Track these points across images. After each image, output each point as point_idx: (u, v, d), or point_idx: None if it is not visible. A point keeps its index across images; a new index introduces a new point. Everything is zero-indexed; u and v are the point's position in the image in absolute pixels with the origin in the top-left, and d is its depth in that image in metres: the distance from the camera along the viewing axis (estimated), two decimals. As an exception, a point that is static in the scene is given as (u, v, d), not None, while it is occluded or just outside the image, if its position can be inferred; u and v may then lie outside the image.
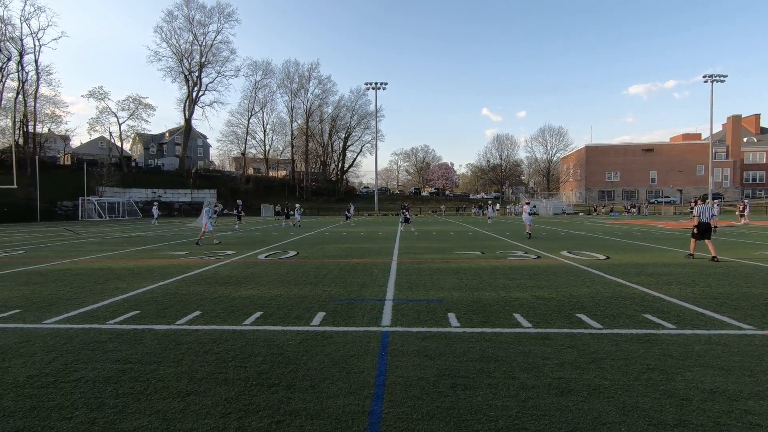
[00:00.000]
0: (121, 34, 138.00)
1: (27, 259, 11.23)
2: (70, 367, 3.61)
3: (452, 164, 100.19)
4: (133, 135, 75.05)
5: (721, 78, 57.11)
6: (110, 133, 65.37)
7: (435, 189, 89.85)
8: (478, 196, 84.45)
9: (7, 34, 51.47)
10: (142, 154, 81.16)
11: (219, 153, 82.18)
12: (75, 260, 10.81)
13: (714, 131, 62.57)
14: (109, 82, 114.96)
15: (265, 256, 11.28)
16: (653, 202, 65.36)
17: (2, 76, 52.54)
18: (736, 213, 30.21)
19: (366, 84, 60.84)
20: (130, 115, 63.95)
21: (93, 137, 70.60)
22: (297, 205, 29.81)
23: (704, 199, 10.79)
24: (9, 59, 52.19)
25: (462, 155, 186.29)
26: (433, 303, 5.86)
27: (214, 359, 3.79)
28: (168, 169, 69.66)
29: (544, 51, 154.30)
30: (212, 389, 3.18)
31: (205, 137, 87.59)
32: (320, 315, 5.25)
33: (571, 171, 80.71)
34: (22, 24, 52.90)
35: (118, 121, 63.30)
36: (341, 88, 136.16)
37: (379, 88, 60.65)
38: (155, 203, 39.70)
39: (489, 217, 33.01)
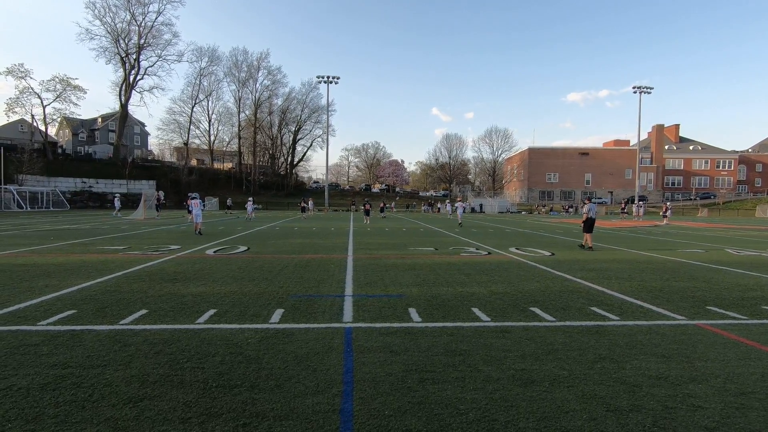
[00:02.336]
0: (46, 6, 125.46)
1: (-67, 253, 9.93)
2: (-2, 375, 3.22)
3: (403, 161, 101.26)
4: (59, 119, 68.70)
5: (648, 90, 62.21)
6: (32, 116, 59.40)
7: (385, 186, 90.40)
8: (428, 193, 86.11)
9: None
10: (70, 140, 74.48)
11: (159, 142, 77.41)
12: (-7, 255, 9.71)
13: (641, 138, 68.06)
14: (31, 59, 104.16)
15: (214, 252, 10.76)
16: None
17: None
18: (660, 214, 33.07)
19: (318, 77, 59.82)
20: (57, 97, 58.54)
21: (12, 119, 63.76)
22: (250, 199, 29.21)
23: (590, 198, 13.62)
24: None
25: (412, 153, 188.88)
26: (393, 298, 5.86)
27: (167, 360, 3.54)
28: (100, 157, 64.54)
29: (492, 57, 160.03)
30: (168, 393, 2.96)
31: (143, 125, 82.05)
32: (279, 312, 5.08)
33: (515, 171, 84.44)
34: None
35: (42, 102, 57.72)
36: (292, 80, 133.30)
37: (331, 82, 59.87)
38: (117, 195, 36.84)
39: (450, 215, 30.86)
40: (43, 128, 60.38)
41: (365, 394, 2.99)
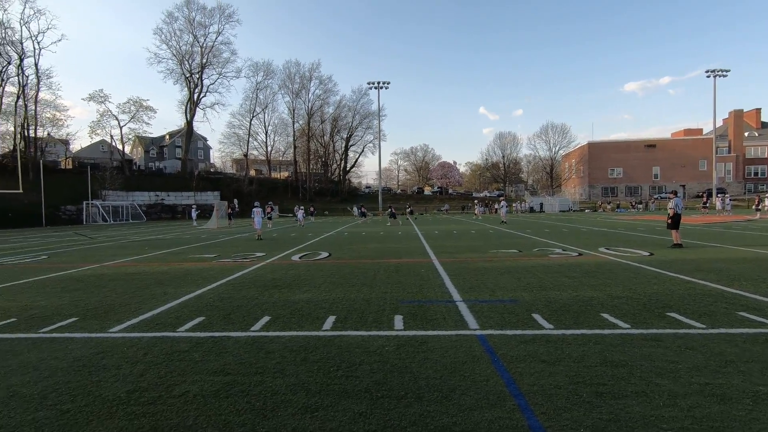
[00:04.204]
0: (120, 36, 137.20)
1: (54, 264, 10.92)
2: (167, 381, 3.35)
3: (455, 162, 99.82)
4: (133, 138, 74.57)
5: (724, 73, 57.08)
6: (111, 137, 64.87)
7: (438, 188, 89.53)
8: (481, 194, 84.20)
9: (7, 37, 50.98)
10: (142, 157, 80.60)
11: (221, 155, 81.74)
12: (104, 264, 10.51)
13: (716, 126, 62.54)
14: (109, 85, 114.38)
15: (299, 258, 11.01)
16: (658, 198, 65.19)
17: (2, 80, 52.03)
18: (753, 207, 30.01)
19: (369, 83, 60.60)
20: (131, 118, 63.46)
21: (94, 141, 70.03)
22: (300, 207, 30.49)
23: (676, 193, 12.25)
24: (9, 63, 51.67)
25: (461, 154, 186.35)
26: (507, 304, 5.61)
27: (318, 369, 3.53)
28: (170, 172, 69.21)
29: (540, 51, 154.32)
30: (338, 403, 2.92)
31: (205, 139, 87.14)
32: (398, 318, 5.00)
33: (574, 168, 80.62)
34: (21, 27, 52.18)
35: (119, 124, 62.83)
36: (342, 87, 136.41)
37: (381, 87, 60.40)
38: (194, 206, 39.36)
39: (503, 216, 30.00)
40: (120, 147, 65.69)
41: (545, 408, 2.78)
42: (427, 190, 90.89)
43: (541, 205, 58.14)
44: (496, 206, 56.84)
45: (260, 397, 3.03)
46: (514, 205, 60.61)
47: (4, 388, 3.27)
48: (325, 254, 11.71)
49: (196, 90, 66.20)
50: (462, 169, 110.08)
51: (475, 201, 50.90)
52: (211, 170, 78.78)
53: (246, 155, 73.67)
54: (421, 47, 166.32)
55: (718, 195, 47.97)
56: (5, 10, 50.58)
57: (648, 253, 10.36)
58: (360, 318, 5.05)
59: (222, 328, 4.77)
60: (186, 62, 65.20)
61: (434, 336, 4.33)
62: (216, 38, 65.97)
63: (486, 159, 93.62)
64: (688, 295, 5.84)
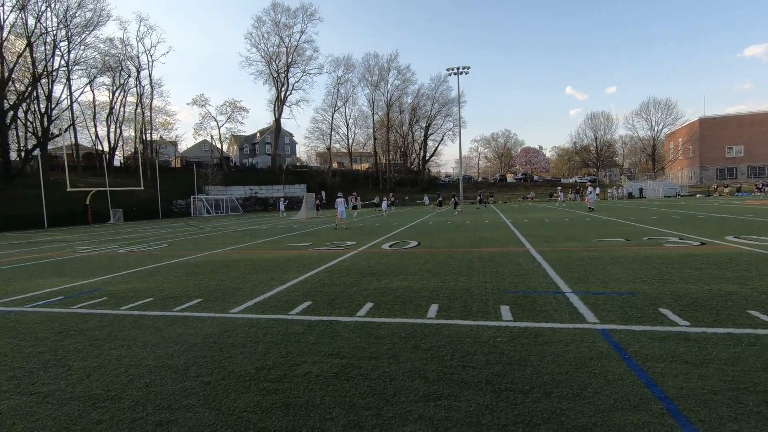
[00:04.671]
0: (217, 44, 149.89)
1: (174, 251, 12.27)
2: (289, 360, 3.52)
3: (541, 147, 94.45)
4: (229, 137, 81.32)
5: None
6: (211, 137, 71.44)
7: (522, 175, 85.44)
8: (571, 180, 78.69)
9: (127, 53, 58.24)
10: (237, 155, 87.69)
11: (306, 149, 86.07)
12: (214, 252, 11.56)
13: None
14: (208, 89, 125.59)
15: (389, 246, 11.14)
16: (791, 179, 55.65)
17: (124, 92, 59.70)
18: None
19: (448, 69, 59.31)
20: (228, 119, 69.19)
21: (197, 141, 77.65)
22: (383, 198, 31.14)
23: None
24: (129, 76, 59.08)
25: (546, 138, 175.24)
26: (626, 296, 5.10)
27: (431, 357, 3.48)
28: (261, 167, 74.40)
29: (634, 18, 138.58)
30: (460, 393, 2.83)
31: (291, 135, 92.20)
32: (504, 309, 4.78)
33: (681, 148, 71.79)
34: (137, 43, 59.50)
35: (217, 124, 68.87)
36: (421, 76, 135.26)
37: (461, 73, 58.80)
38: (282, 198, 42.39)
39: (589, 205, 27.37)
40: (219, 146, 72.02)
41: (702, 416, 2.43)
42: (510, 178, 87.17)
43: (641, 190, 52.80)
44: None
45: (379, 381, 3.05)
46: (609, 191, 55.80)
47: (154, 358, 3.68)
48: (414, 243, 11.71)
49: (283, 88, 70.14)
50: (548, 154, 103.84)
51: (558, 188, 48.06)
52: (297, 164, 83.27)
53: (329, 148, 76.62)
54: (501, 30, 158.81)
55: None
56: (125, 30, 57.78)
57: (793, 243, 8.83)
58: (464, 307, 4.92)
59: (329, 312, 4.94)
60: (273, 63, 69.31)
61: (549, 329, 4.06)
62: (300, 37, 69.19)
63: (575, 142, 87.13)
64: None
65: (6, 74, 43.56)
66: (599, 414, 2.49)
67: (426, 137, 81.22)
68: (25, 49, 45.42)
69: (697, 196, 48.28)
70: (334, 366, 3.37)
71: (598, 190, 50.44)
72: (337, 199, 19.76)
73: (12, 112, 45.04)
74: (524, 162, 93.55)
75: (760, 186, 48.42)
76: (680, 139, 72.21)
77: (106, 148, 59.55)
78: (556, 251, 9.03)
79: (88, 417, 2.71)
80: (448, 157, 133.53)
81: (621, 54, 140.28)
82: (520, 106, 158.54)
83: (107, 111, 58.78)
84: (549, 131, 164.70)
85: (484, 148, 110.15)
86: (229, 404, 2.80)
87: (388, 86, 76.50)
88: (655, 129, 75.46)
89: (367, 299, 5.47)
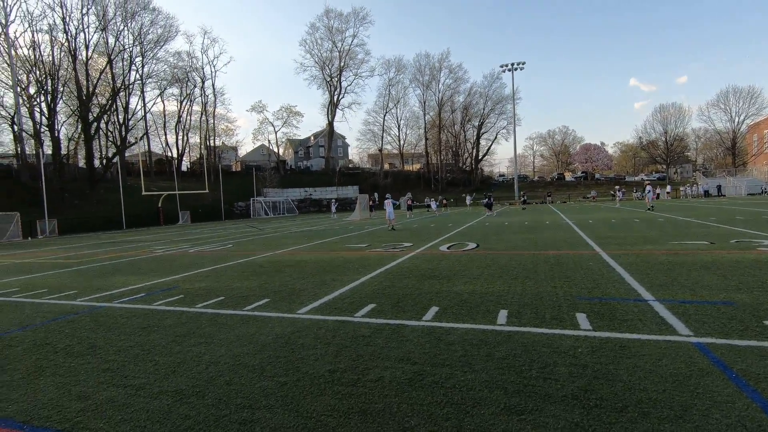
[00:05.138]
0: (274, 51, 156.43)
1: (239, 252, 12.86)
2: (360, 364, 3.50)
3: (603, 144, 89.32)
4: (285, 141, 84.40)
5: None
6: (269, 141, 74.55)
7: (582, 173, 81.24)
8: (637, 177, 73.66)
9: (192, 65, 62.22)
10: (292, 158, 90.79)
11: (358, 151, 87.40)
12: (276, 252, 11.97)
13: None
14: (266, 95, 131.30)
15: (447, 248, 10.95)
16: None
17: (190, 101, 63.81)
18: None
19: (501, 66, 57.79)
20: (284, 123, 71.92)
21: (255, 146, 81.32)
22: (433, 198, 30.96)
23: None
24: (195, 86, 63.06)
25: (608, 133, 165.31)
26: (720, 306, 4.61)
27: (507, 366, 3.31)
28: (316, 169, 76.49)
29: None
30: (542, 407, 2.65)
31: (344, 137, 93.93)
32: (581, 317, 4.48)
33: (767, 140, 64.85)
34: (202, 55, 63.45)
35: (274, 129, 71.82)
36: (473, 74, 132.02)
37: (516, 69, 57.01)
38: (333, 200, 43.53)
39: (648, 205, 25.22)
40: (276, 150, 74.97)
41: (842, 450, 2.10)
42: (569, 176, 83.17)
43: (720, 187, 48.33)
44: (658, 191, 49.21)
45: (456, 391, 2.95)
46: (681, 189, 51.62)
47: (232, 356, 3.82)
48: (473, 245, 11.43)
49: (336, 92, 71.69)
50: (610, 150, 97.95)
51: (616, 187, 45.24)
52: (350, 166, 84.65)
53: (380, 150, 77.24)
54: (556, 21, 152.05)
55: None
56: (191, 43, 61.85)
57: None
58: (535, 314, 4.68)
59: (394, 315, 4.89)
60: (326, 67, 71.07)
61: (635, 340, 3.74)
62: (352, 41, 70.44)
63: (640, 137, 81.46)
64: None
65: (91, 89, 48.06)
66: (711, 441, 2.23)
67: (479, 136, 79.57)
68: (106, 66, 49.90)
69: (788, 193, 43.41)
70: (407, 372, 3.30)
71: (658, 189, 46.79)
72: (385, 201, 20.01)
73: (95, 124, 49.62)
74: (584, 159, 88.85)
75: None
76: (766, 131, 65.27)
77: (175, 154, 63.98)
78: (631, 254, 8.41)
79: (177, 411, 2.84)
80: (501, 156, 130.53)
81: (692, 40, 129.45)
82: (579, 100, 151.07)
83: (176, 119, 63.14)
84: (611, 126, 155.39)
85: (539, 146, 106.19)
86: (307, 407, 2.82)
87: (440, 86, 75.88)
88: (736, 120, 68.86)
89: (432, 303, 5.37)
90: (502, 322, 4.46)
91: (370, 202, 33.10)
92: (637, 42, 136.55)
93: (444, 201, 46.02)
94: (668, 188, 50.80)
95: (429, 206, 37.67)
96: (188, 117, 64.44)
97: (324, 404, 2.84)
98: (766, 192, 45.58)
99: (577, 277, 6.50)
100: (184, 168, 66.15)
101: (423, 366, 3.41)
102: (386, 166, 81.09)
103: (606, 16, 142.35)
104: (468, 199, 42.59)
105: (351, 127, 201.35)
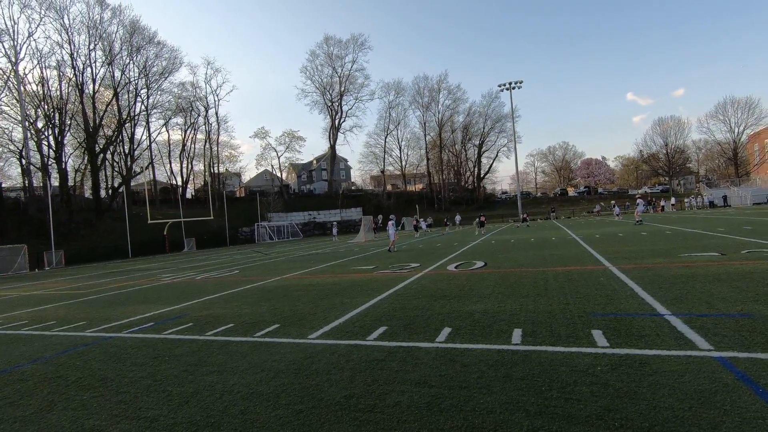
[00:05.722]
0: (276, 78, 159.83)
1: (246, 277, 12.83)
2: (376, 389, 3.44)
3: (604, 158, 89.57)
4: (288, 165, 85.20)
5: None
6: (272, 166, 75.21)
7: (585, 188, 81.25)
8: (640, 190, 73.51)
9: (196, 95, 63.55)
10: (296, 182, 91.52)
11: (360, 173, 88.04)
12: (284, 277, 11.93)
13: None
14: (268, 121, 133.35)
15: (455, 267, 10.89)
16: None
17: (194, 130, 64.89)
18: None
19: (500, 85, 58.70)
20: (286, 148, 72.70)
21: (259, 171, 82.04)
22: (419, 218, 31.46)
23: None
24: (198, 115, 64.25)
25: (608, 148, 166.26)
26: (739, 319, 4.53)
27: (526, 387, 3.25)
28: (319, 193, 76.96)
29: (697, 13, 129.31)
30: (567, 429, 2.59)
31: (346, 160, 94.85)
32: (597, 333, 4.41)
33: (768, 149, 64.83)
34: (205, 85, 64.80)
35: (277, 154, 72.54)
36: (472, 94, 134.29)
37: (514, 88, 57.86)
38: (334, 223, 43.58)
39: (637, 218, 24.87)
40: (279, 174, 75.60)
41: None
42: (571, 191, 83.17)
43: (725, 198, 48.11)
44: (662, 203, 48.99)
45: (476, 414, 2.88)
46: (686, 200, 51.46)
47: (245, 385, 3.76)
48: (480, 263, 11.37)
49: (337, 116, 72.78)
50: (612, 164, 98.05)
51: (612, 202, 45.22)
52: (353, 188, 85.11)
53: (383, 171, 77.78)
54: (551, 40, 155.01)
55: None
56: (195, 74, 63.35)
57: None
58: (550, 332, 4.61)
59: (407, 338, 4.83)
60: (327, 92, 72.38)
61: (654, 356, 3.67)
62: (351, 66, 71.94)
63: (641, 150, 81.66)
64: None
65: (97, 122, 49.04)
66: (745, 460, 2.16)
67: (480, 155, 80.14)
68: (112, 99, 51.05)
69: (794, 201, 43.14)
70: (424, 396, 3.24)
71: (663, 201, 46.67)
72: (389, 222, 20.05)
73: (102, 155, 50.41)
74: (585, 174, 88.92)
75: None
76: (766, 141, 65.38)
77: (180, 182, 64.64)
78: (641, 268, 8.33)
79: (193, 444, 2.79)
80: (503, 174, 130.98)
81: (687, 52, 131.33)
82: (578, 116, 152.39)
83: (180, 148, 64.07)
84: (611, 141, 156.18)
85: (540, 162, 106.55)
86: (325, 435, 2.76)
87: (439, 106, 76.96)
88: (736, 131, 69.03)
89: (444, 324, 5.30)
90: (517, 341, 4.39)
91: (374, 224, 33.09)
92: (631, 57, 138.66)
93: (427, 220, 46.07)
94: (673, 200, 50.63)
95: (418, 227, 36.70)
96: (192, 145, 65.46)
97: (342, 431, 2.78)
98: (771, 201, 45.31)
99: (589, 293, 6.43)
100: (188, 195, 66.72)
101: (440, 389, 3.35)
102: (389, 187, 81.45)
103: (600, 34, 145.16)
104: (457, 218, 42.35)
105: (353, 149, 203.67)
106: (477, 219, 32.21)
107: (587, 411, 2.80)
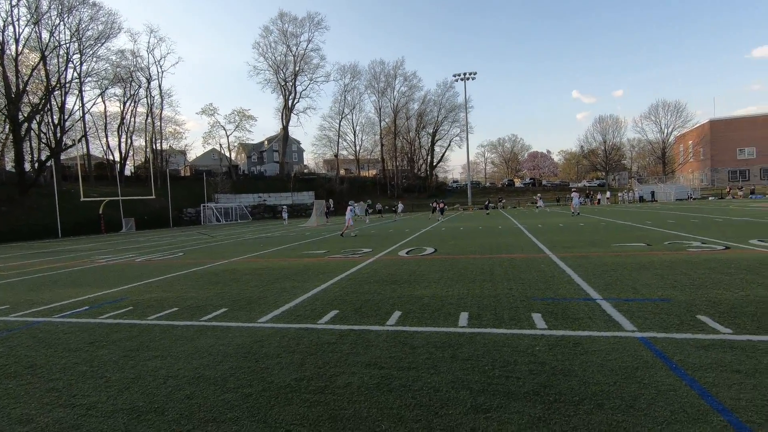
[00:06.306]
0: (225, 54, 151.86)
1: (190, 260, 12.32)
2: (327, 371, 3.48)
3: (549, 152, 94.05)
4: (237, 145, 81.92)
5: None
6: (220, 145, 71.97)
7: (530, 179, 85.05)
8: (580, 184, 78.14)
9: (138, 65, 59.12)
10: (245, 162, 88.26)
11: (314, 156, 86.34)
12: (232, 260, 11.59)
13: None
14: (217, 98, 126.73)
15: (406, 253, 11.09)
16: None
17: (134, 102, 60.52)
18: None
19: (454, 75, 59.63)
20: (236, 127, 69.73)
21: (206, 150, 78.31)
22: (355, 203, 32.54)
23: None
24: (139, 87, 59.89)
25: (554, 142, 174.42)
26: (660, 303, 5.00)
27: (471, 367, 3.42)
28: (270, 175, 74.81)
29: (640, 21, 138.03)
30: (506, 404, 2.77)
31: (299, 142, 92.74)
32: (536, 316, 4.71)
33: (691, 150, 71.09)
34: (148, 55, 60.33)
35: (226, 133, 69.40)
36: (427, 83, 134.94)
37: (468, 79, 58.97)
38: (284, 206, 42.44)
39: (572, 210, 27.35)
40: (227, 154, 72.56)
41: (767, 429, 2.35)
42: (518, 183, 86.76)
43: (653, 193, 52.25)
44: (598, 196, 52.45)
45: (423, 392, 3.01)
46: (619, 194, 55.36)
47: (191, 369, 3.66)
48: (431, 249, 11.65)
49: (290, 96, 70.66)
50: (556, 158, 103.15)
51: (537, 195, 48.41)
52: (305, 171, 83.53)
53: (336, 156, 76.88)
54: (506, 35, 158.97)
55: None
56: (135, 42, 58.72)
57: (821, 246, 8.65)
58: (494, 315, 4.86)
59: (358, 321, 4.90)
60: (281, 71, 69.92)
61: (587, 337, 3.98)
62: (307, 46, 69.76)
63: (582, 146, 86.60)
64: None
65: (21, 87, 44.35)
66: (658, 427, 2.42)
67: (433, 143, 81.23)
68: (39, 63, 46.23)
69: (710, 198, 47.70)
70: (374, 377, 3.32)
71: (599, 195, 50.02)
72: (348, 207, 20.20)
73: (26, 124, 45.80)
74: (532, 167, 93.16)
75: (775, 188, 47.65)
76: (690, 142, 71.56)
77: (117, 158, 60.29)
78: (578, 257, 8.92)
79: (135, 430, 2.69)
80: (455, 163, 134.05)
81: (627, 57, 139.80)
82: (527, 110, 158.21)
83: (118, 121, 59.57)
84: (556, 135, 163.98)
85: (491, 153, 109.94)
86: (275, 417, 2.76)
87: (395, 93, 76.80)
88: (665, 132, 74.83)
89: (395, 308, 5.42)
90: (463, 324, 4.59)
91: (326, 209, 32.81)
92: (577, 57, 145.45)
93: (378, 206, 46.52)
94: (608, 194, 54.31)
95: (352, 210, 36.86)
96: (132, 119, 61.03)
97: (292, 413, 2.80)
98: (692, 197, 49.88)
99: (531, 279, 6.81)
100: (127, 172, 62.43)
101: (390, 370, 3.44)
102: (342, 172, 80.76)
103: (549, 34, 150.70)
104: (400, 207, 42.23)
105: (306, 132, 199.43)
106: (436, 206, 32.29)
107: (526, 388, 3.01)
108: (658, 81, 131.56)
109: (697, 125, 69.69)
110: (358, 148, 79.61)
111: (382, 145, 78.43)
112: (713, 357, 3.36)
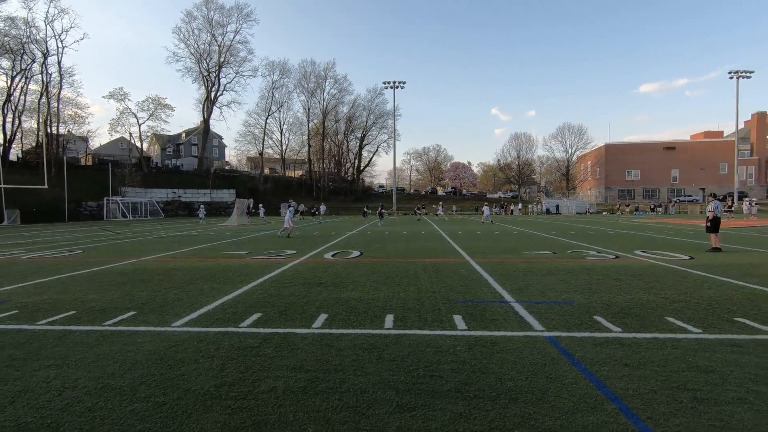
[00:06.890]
0: (140, 36, 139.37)
1: (91, 258, 11.09)
2: (250, 376, 3.34)
3: (469, 163, 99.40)
4: (150, 135, 75.53)
5: (748, 74, 55.89)
6: (130, 134, 65.86)
7: (451, 188, 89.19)
8: (496, 195, 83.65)
9: (32, 36, 52.05)
10: (159, 155, 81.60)
11: (236, 153, 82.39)
12: (141, 260, 10.63)
13: (738, 128, 61.25)
14: (129, 83, 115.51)
15: (332, 256, 11.02)
16: (677, 201, 64.00)
17: (26, 78, 53.17)
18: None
19: (384, 83, 60.52)
20: (150, 116, 64.35)
21: (113, 138, 71.06)
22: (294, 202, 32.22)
23: (715, 196, 12.21)
24: (33, 61, 52.77)
25: (474, 154, 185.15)
26: (564, 305, 5.53)
27: (396, 367, 3.50)
28: (187, 169, 69.96)
29: (550, 51, 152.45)
30: (431, 402, 2.88)
31: (221, 137, 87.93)
32: (457, 318, 4.95)
33: (590, 170, 79.68)
34: (46, 26, 53.27)
35: (138, 121, 63.76)
36: (357, 87, 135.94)
37: (397, 87, 60.30)
38: (201, 204, 39.90)
39: (483, 220, 31.58)
40: (138, 144, 66.61)
41: (649, 413, 2.71)
42: (441, 191, 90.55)
43: (557, 206, 57.58)
44: (512, 207, 56.63)
45: (350, 394, 3.01)
46: (530, 206, 60.16)
47: (92, 379, 3.30)
48: (356, 253, 11.70)
49: (213, 88, 66.94)
50: (475, 169, 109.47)
51: (434, 205, 52.52)
52: (227, 168, 79.42)
53: (261, 153, 74.24)
54: (435, 47, 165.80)
55: (743, 199, 47.08)
56: (30, 9, 51.52)
57: (688, 257, 10.16)
58: (419, 317, 5.02)
59: (283, 324, 4.77)
60: (204, 61, 65.99)
61: (502, 337, 4.27)
62: (234, 37, 66.67)
63: (499, 160, 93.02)
64: (749, 300, 5.70)
65: None
66: (563, 416, 2.68)
67: (361, 147, 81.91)
68: None
69: (603, 213, 53.71)
70: (300, 380, 3.26)
71: (512, 206, 54.11)
72: (289, 208, 20.28)
73: None
74: (453, 176, 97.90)
75: (654, 206, 55.08)
76: (589, 162, 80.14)
77: (0, 140, 52.42)
78: (494, 262, 9.54)
79: (21, 450, 2.36)
80: (381, 168, 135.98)
81: (538, 86, 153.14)
82: (451, 122, 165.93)
83: (4, 98, 51.89)
84: (476, 148, 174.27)
85: (416, 161, 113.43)
86: (192, 426, 2.59)
87: (325, 94, 76.26)
88: (569, 151, 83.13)
89: (320, 310, 5.37)
90: (389, 326, 4.68)
91: (247, 208, 31.47)
92: (497, 79, 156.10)
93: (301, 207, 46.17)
94: (520, 205, 58.83)
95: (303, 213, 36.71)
96: (23, 96, 53.56)
97: (213, 421, 2.65)
98: (589, 212, 55.89)
99: (453, 283, 7.15)
100: (13, 157, 54.53)
101: (316, 373, 3.40)
102: (267, 171, 78.09)
103: (474, 49, 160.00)
104: (322, 209, 42.23)
105: (230, 127, 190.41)
106: (378, 210, 33.30)
107: (448, 386, 3.15)
108: (564, 108, 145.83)
109: (595, 148, 78.29)
110: (284, 147, 77.74)
111: (309, 146, 77.33)
112: (607, 353, 3.79)
